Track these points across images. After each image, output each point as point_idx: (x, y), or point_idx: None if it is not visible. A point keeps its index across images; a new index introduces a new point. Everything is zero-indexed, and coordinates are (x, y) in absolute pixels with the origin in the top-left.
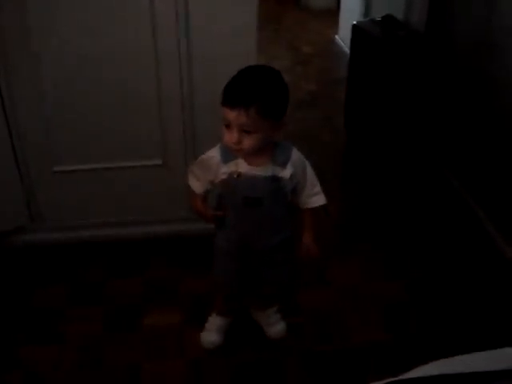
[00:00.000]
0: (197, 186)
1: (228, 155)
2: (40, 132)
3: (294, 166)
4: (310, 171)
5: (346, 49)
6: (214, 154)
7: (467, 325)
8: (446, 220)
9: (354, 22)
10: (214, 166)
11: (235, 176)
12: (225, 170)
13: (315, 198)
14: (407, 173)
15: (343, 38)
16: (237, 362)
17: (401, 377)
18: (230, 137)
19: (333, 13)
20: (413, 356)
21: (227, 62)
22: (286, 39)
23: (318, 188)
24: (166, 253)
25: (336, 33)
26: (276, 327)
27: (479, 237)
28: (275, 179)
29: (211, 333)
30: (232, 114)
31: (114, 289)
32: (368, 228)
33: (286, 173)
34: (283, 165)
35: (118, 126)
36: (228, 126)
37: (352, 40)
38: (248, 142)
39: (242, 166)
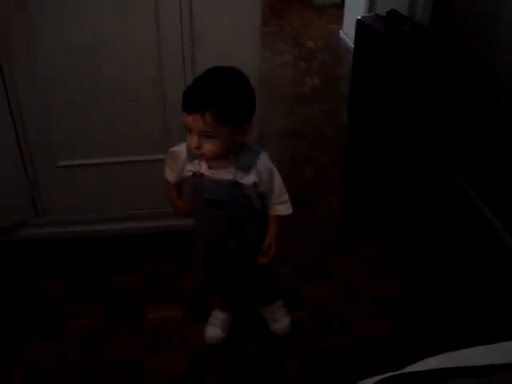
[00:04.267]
0: (169, 174)
1: (192, 154)
2: (44, 127)
3: (259, 173)
4: (277, 180)
5: (351, 44)
6: (181, 149)
7: (469, 318)
8: (449, 216)
9: (359, 17)
10: (180, 161)
11: (197, 176)
12: (189, 168)
13: (281, 207)
14: (410, 169)
15: (348, 33)
16: (238, 357)
17: (403, 370)
18: (191, 141)
19: (337, 8)
20: (414, 350)
21: (231, 58)
22: (290, 34)
23: (285, 197)
24: (168, 248)
25: (340, 28)
26: (280, 323)
27: (483, 233)
28: (236, 185)
29: (214, 327)
30: (189, 119)
31: (115, 284)
32: (370, 223)
33: (249, 179)
34: (246, 171)
35: (121, 121)
36: (189, 130)
37: (356, 35)
38: (208, 147)
39: (203, 168)
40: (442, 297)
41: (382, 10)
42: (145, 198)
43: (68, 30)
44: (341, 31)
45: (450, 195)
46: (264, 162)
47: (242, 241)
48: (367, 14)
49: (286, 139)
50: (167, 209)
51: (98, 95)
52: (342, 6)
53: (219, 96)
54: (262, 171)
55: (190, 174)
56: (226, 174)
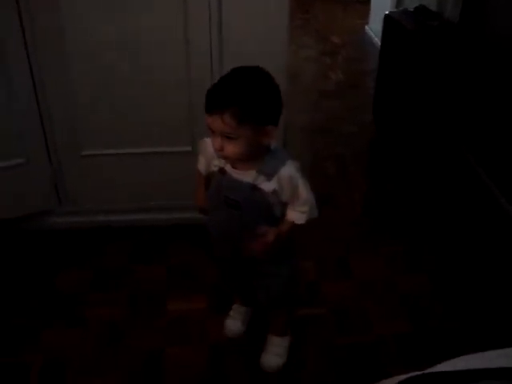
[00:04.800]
0: (200, 163)
1: None
2: (69, 116)
3: (280, 182)
4: (303, 191)
5: (376, 40)
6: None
7: (492, 318)
8: (473, 216)
9: (387, 13)
10: (209, 154)
11: (221, 172)
12: (216, 163)
13: (296, 215)
14: (435, 167)
15: (373, 28)
16: (259, 350)
17: (427, 370)
18: (214, 143)
19: (364, 3)
20: (435, 350)
21: (258, 51)
22: (315, 29)
23: (305, 208)
24: (191, 239)
25: (366, 23)
26: (269, 358)
27: (510, 235)
28: (255, 188)
29: (234, 321)
30: (210, 120)
31: (138, 274)
32: (392, 220)
33: (269, 186)
34: (268, 177)
35: (147, 112)
36: (212, 131)
37: (384, 30)
38: (230, 149)
39: (228, 165)
40: (465, 296)
41: (410, 5)
42: (168, 189)
43: (97, 25)
44: (366, 26)
45: (474, 195)
46: (289, 170)
47: None
48: (395, 10)
49: (309, 134)
50: (191, 201)
51: (124, 86)
52: (368, 1)
53: (238, 96)
54: (285, 180)
55: (216, 169)
56: (247, 176)
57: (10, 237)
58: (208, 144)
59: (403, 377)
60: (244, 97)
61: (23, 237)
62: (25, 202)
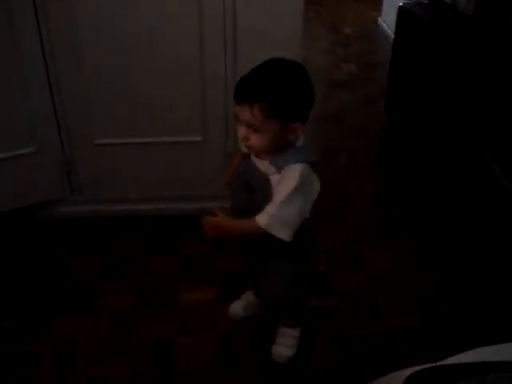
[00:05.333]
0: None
1: None
2: (82, 105)
3: (282, 176)
4: (285, 194)
5: (389, 32)
6: None
7: (502, 311)
8: (486, 210)
9: (400, 4)
10: None
11: (247, 156)
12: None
13: (261, 214)
14: (447, 162)
15: (386, 20)
16: (269, 341)
17: (439, 363)
18: (239, 131)
19: None
20: (444, 342)
21: (272, 42)
22: (328, 20)
23: (273, 211)
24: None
25: (379, 15)
26: (280, 349)
27: None
28: (266, 178)
29: (238, 304)
30: (238, 109)
31: (149, 263)
32: (404, 213)
33: (276, 178)
34: (278, 170)
35: (160, 102)
36: (238, 120)
37: (397, 22)
38: (255, 141)
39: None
40: (476, 290)
41: None
42: (180, 179)
43: (111, 13)
44: (379, 18)
45: (488, 190)
46: (294, 170)
47: (266, 240)
48: (409, 1)
49: (321, 125)
50: (203, 191)
51: (137, 75)
52: None
53: (271, 90)
54: (284, 175)
55: (246, 150)
56: (262, 165)
57: (23, 225)
58: None
59: (415, 369)
60: (276, 92)
61: (35, 225)
62: (37, 191)
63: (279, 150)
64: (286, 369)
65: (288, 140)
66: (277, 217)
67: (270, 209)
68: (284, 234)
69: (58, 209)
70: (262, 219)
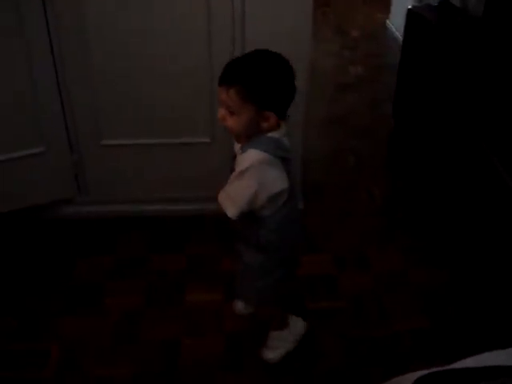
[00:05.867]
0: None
1: None
2: (90, 106)
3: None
4: (236, 179)
5: (397, 34)
6: None
7: (510, 314)
8: (492, 211)
9: (410, 7)
10: None
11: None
12: None
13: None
14: (454, 164)
15: (394, 23)
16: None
17: (446, 367)
18: (219, 112)
19: None
20: (451, 345)
21: (280, 43)
22: (335, 23)
23: (227, 190)
24: (209, 230)
25: (387, 18)
26: (265, 352)
27: None
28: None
29: (240, 302)
30: (219, 90)
31: (156, 264)
32: (411, 214)
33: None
34: (242, 153)
35: (166, 103)
36: (219, 101)
37: (406, 25)
38: (231, 123)
39: None
40: (483, 292)
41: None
42: (187, 180)
43: (119, 12)
44: (387, 21)
45: (494, 190)
46: (248, 154)
47: (240, 230)
48: (418, 4)
49: (328, 127)
50: (210, 192)
51: (145, 77)
52: None
53: (247, 75)
54: (240, 157)
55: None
56: (237, 150)
57: (30, 225)
58: None
59: (422, 373)
60: (251, 77)
61: (43, 225)
62: (45, 191)
63: (252, 135)
64: (292, 369)
65: (261, 127)
66: (225, 192)
67: (225, 186)
68: (229, 211)
69: (65, 209)
70: (219, 195)
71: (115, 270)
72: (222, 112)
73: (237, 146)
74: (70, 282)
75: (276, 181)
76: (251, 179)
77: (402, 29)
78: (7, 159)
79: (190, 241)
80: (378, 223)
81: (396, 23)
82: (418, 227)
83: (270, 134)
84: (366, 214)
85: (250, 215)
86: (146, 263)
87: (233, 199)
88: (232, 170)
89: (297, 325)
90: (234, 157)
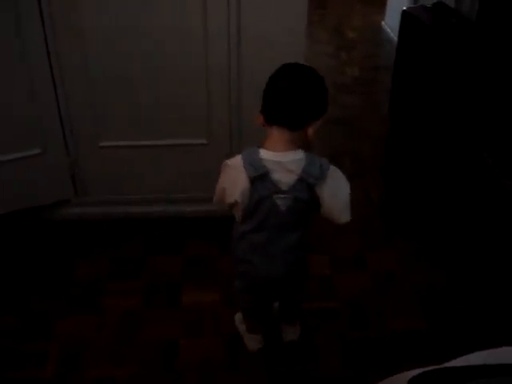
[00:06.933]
0: None
1: None
2: (87, 107)
3: None
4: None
5: (393, 35)
6: None
7: (507, 315)
8: (489, 212)
9: (404, 8)
10: None
11: None
12: None
13: None
14: (450, 166)
15: (390, 24)
16: (272, 343)
17: (443, 365)
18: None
19: None
20: (449, 345)
21: (275, 44)
22: (332, 24)
23: None
24: (206, 232)
25: (383, 19)
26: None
27: None
28: None
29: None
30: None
31: (154, 265)
32: (408, 216)
33: None
34: None
35: (164, 105)
36: None
37: (401, 26)
38: None
39: None
40: (480, 293)
41: (428, 1)
42: (184, 181)
43: (115, 12)
44: (383, 22)
45: (490, 192)
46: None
47: None
48: (413, 5)
49: (325, 128)
50: (208, 193)
51: (142, 78)
52: None
53: (295, 118)
54: None
55: None
56: None
57: (28, 226)
58: None
59: (417, 371)
60: (299, 117)
61: (40, 226)
62: (42, 192)
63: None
64: (289, 370)
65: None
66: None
67: None
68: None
69: (62, 210)
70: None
71: (113, 271)
72: None
73: None
74: (68, 283)
75: (232, 190)
76: (222, 176)
77: (397, 30)
78: (4, 161)
79: (188, 242)
80: (375, 225)
81: (391, 24)
82: (416, 229)
83: (262, 148)
84: (363, 216)
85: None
86: (144, 264)
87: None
88: None
89: (251, 341)
90: None
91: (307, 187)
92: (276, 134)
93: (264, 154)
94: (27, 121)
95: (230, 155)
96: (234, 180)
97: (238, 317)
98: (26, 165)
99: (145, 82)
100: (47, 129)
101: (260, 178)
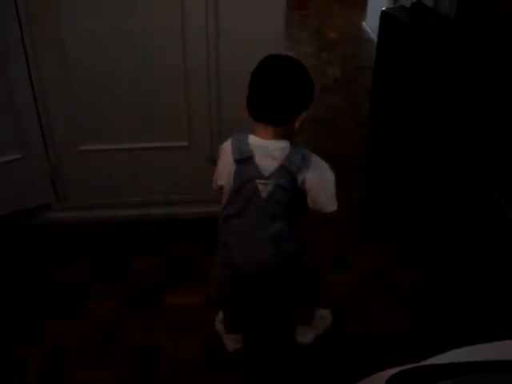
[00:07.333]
0: None
1: None
2: (66, 111)
3: None
4: None
5: (373, 36)
6: None
7: (488, 313)
8: (468, 209)
9: (383, 9)
10: None
11: None
12: None
13: None
14: (431, 165)
15: (370, 24)
16: (256, 345)
17: (422, 363)
18: None
19: None
20: (432, 344)
21: (254, 43)
22: (313, 25)
23: None
24: (189, 234)
25: (363, 19)
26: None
27: (507, 233)
28: None
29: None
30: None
31: (137, 268)
32: (390, 215)
33: None
34: None
35: (144, 107)
36: None
37: (380, 26)
38: None
39: None
40: (462, 292)
41: (406, 1)
42: (166, 184)
43: (93, 16)
44: (363, 22)
45: (471, 191)
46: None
47: None
48: (392, 6)
49: (306, 128)
50: (189, 195)
51: (121, 82)
52: None
53: (279, 117)
54: None
55: None
56: None
57: (8, 232)
58: None
59: (396, 369)
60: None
61: (21, 232)
62: (22, 197)
63: None
64: (272, 369)
65: None
66: None
67: None
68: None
69: (43, 215)
70: None
71: (96, 275)
72: None
73: None
74: (50, 288)
75: (221, 173)
76: (219, 160)
77: (377, 30)
78: None
79: (171, 244)
80: (357, 224)
81: (372, 25)
82: (397, 228)
83: (251, 135)
84: (344, 215)
85: None
86: (127, 267)
87: None
88: None
89: (229, 341)
90: None
91: (289, 175)
92: (262, 127)
93: (252, 139)
94: (7, 126)
95: (212, 156)
96: (223, 163)
97: (219, 317)
98: (7, 170)
99: (124, 84)
100: (27, 133)
101: (244, 161)
